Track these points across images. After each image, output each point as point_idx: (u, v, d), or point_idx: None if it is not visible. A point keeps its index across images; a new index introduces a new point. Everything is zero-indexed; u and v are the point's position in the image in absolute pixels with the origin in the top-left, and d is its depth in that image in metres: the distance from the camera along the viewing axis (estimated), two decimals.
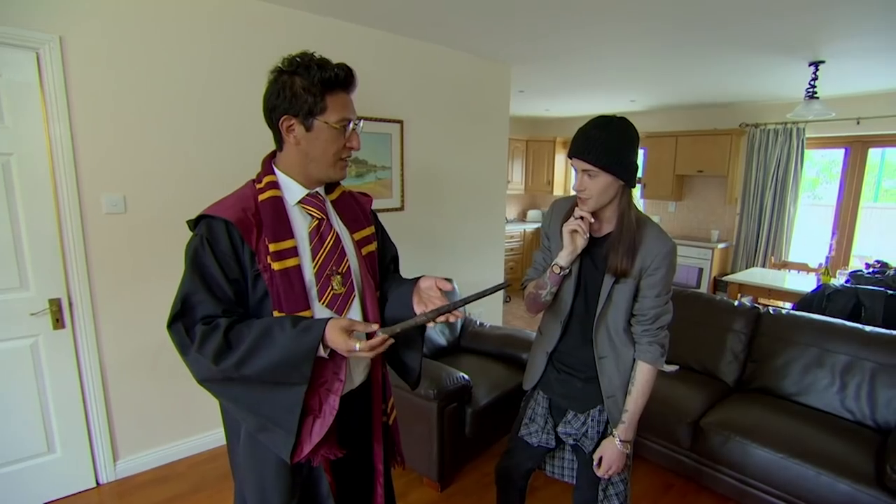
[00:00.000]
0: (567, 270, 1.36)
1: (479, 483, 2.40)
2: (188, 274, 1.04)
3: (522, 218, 7.34)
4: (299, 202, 1.13)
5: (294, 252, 1.07)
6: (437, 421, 2.21)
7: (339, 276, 1.13)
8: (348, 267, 1.16)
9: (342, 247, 1.16)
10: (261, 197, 1.09)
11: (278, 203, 1.10)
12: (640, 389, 1.38)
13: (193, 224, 1.09)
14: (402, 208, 3.30)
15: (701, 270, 5.50)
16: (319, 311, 1.11)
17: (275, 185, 1.12)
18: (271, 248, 1.05)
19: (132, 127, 2.21)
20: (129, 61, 2.16)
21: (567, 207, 1.42)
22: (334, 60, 1.08)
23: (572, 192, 1.41)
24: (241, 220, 1.04)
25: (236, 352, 0.99)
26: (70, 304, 2.15)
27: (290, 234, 1.08)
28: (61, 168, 2.05)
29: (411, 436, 2.31)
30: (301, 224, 1.13)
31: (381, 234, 1.35)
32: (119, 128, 2.18)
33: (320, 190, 1.18)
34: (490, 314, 4.11)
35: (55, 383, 2.16)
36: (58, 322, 2.12)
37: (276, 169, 1.14)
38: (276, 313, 1.05)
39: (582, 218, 1.30)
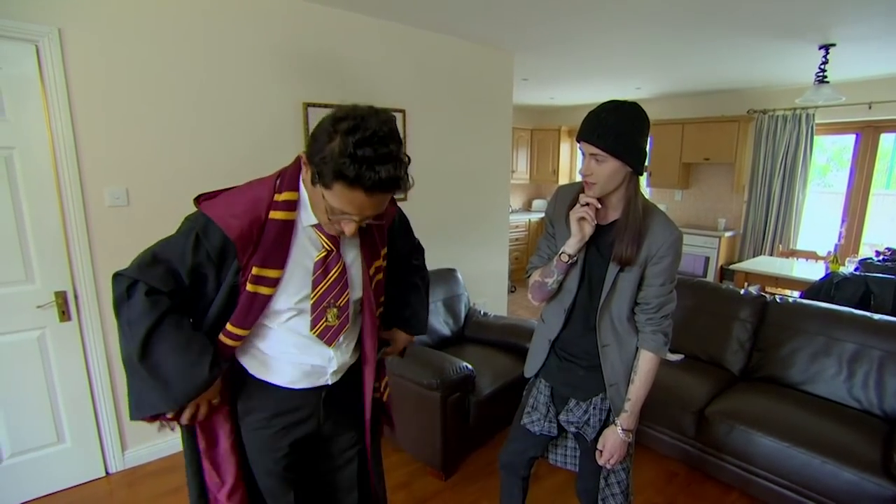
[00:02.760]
0: (575, 258, 1.35)
1: (482, 472, 2.41)
2: (169, 243, 1.05)
3: (527, 208, 7.30)
4: (314, 225, 1.08)
5: (273, 283, 1.05)
6: (441, 410, 2.22)
7: (335, 309, 1.12)
8: (347, 300, 1.14)
9: (346, 280, 1.13)
10: (272, 214, 1.03)
11: (287, 227, 1.05)
12: (642, 378, 1.37)
13: (197, 206, 1.08)
14: (405, 199, 3.29)
15: (707, 259, 5.46)
16: (310, 340, 1.14)
17: (292, 205, 1.05)
18: (254, 271, 1.03)
19: (133, 119, 2.20)
20: (129, 53, 2.15)
21: (572, 194, 1.40)
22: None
23: (577, 178, 1.40)
24: (241, 237, 1.01)
25: (139, 349, 1.01)
26: (76, 297, 2.17)
27: (279, 265, 1.05)
28: (63, 161, 2.05)
29: (415, 425, 2.32)
30: (309, 249, 1.09)
31: (400, 236, 1.35)
32: (120, 120, 2.17)
33: None
34: (494, 304, 4.10)
35: (63, 375, 2.19)
36: (64, 314, 2.14)
37: (302, 186, 1.06)
38: (229, 325, 1.07)
39: (588, 204, 1.28)
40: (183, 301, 1.06)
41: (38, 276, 2.08)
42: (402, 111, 3.16)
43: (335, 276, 1.10)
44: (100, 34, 2.08)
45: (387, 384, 1.41)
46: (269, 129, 2.54)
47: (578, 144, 1.29)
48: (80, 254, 2.14)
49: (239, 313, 1.06)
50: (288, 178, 1.06)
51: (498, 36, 3.34)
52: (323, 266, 1.09)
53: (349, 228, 1.00)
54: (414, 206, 3.38)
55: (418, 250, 1.47)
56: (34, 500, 2.18)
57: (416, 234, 1.48)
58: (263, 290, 1.05)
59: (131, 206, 2.25)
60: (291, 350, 1.15)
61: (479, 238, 3.91)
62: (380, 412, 1.41)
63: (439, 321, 2.91)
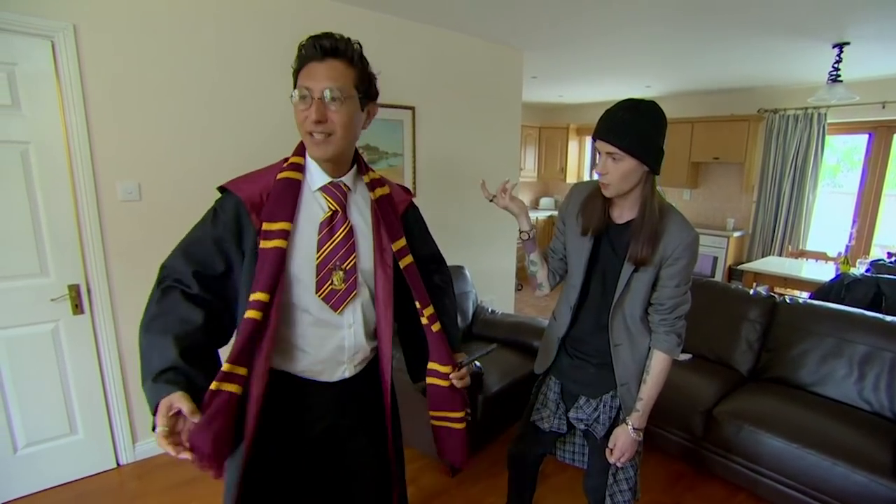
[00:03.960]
0: (530, 234, 1.46)
1: (490, 469, 2.42)
2: (194, 230, 1.09)
3: (535, 205, 7.28)
4: (320, 189, 1.12)
5: (283, 235, 1.04)
6: None
7: (340, 272, 1.10)
8: (354, 264, 1.12)
9: (352, 242, 1.12)
10: (278, 176, 1.09)
11: (292, 185, 1.09)
12: (654, 379, 1.37)
13: (220, 191, 1.12)
14: (413, 195, 3.28)
15: (716, 259, 5.43)
16: (314, 301, 1.10)
17: (298, 167, 1.11)
18: (263, 226, 1.04)
19: (146, 114, 2.22)
20: (142, 48, 2.17)
21: (586, 192, 1.41)
22: None
23: (585, 176, 1.40)
24: (251, 198, 1.06)
25: (143, 332, 1.02)
26: (88, 290, 2.19)
27: (286, 217, 1.06)
28: (77, 156, 2.07)
29: (423, 422, 2.32)
30: (316, 211, 1.11)
31: (416, 234, 1.31)
32: (133, 115, 2.19)
33: (347, 180, 1.15)
34: (502, 302, 4.11)
35: (76, 367, 2.21)
36: (77, 307, 2.17)
37: (307, 153, 1.12)
38: (252, 294, 1.02)
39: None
40: (203, 288, 1.06)
41: (52, 269, 2.10)
42: (412, 108, 3.16)
43: (341, 237, 1.10)
44: (114, 30, 2.09)
45: (468, 415, 1.32)
46: (282, 123, 2.55)
47: (594, 143, 1.29)
48: (92, 247, 2.16)
49: (258, 275, 1.03)
50: (297, 148, 1.15)
51: (508, 34, 3.33)
52: (329, 226, 1.10)
53: (312, 111, 1.01)
54: (423, 203, 3.38)
55: (440, 264, 1.40)
56: (47, 489, 2.22)
57: None
58: (275, 243, 1.03)
59: (143, 200, 2.27)
60: (307, 329, 1.12)
61: (487, 236, 3.90)
62: (458, 440, 1.32)
63: None
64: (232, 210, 1.06)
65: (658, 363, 1.36)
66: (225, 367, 0.99)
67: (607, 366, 1.42)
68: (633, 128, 1.21)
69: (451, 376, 1.22)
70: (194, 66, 2.31)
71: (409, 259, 1.20)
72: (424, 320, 1.22)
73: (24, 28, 1.90)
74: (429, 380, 1.26)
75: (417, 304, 1.21)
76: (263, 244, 1.04)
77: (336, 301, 1.11)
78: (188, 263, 1.05)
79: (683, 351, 2.89)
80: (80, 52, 2.02)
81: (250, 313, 1.01)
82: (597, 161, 1.31)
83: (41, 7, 1.93)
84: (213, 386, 0.96)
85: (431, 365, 1.25)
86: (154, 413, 0.91)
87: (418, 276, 1.21)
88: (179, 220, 2.36)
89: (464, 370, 1.25)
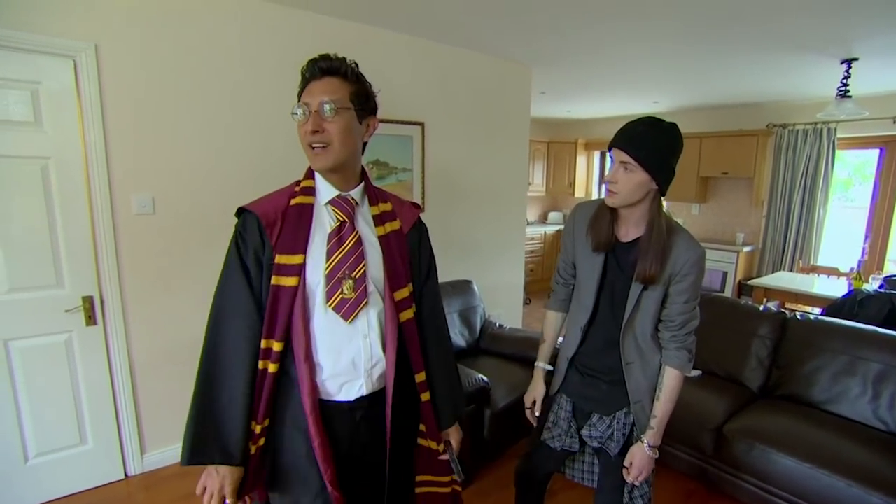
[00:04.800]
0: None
1: (497, 485, 2.40)
2: (226, 284, 1.11)
3: (543, 220, 7.29)
4: (328, 202, 1.15)
5: (297, 270, 1.08)
6: None
7: (350, 281, 1.11)
8: (364, 273, 1.13)
9: (361, 251, 1.13)
10: (293, 201, 1.13)
11: (305, 210, 1.12)
12: (667, 395, 1.36)
13: (238, 215, 1.14)
14: (422, 210, 3.31)
15: (725, 274, 5.38)
16: (325, 314, 1.10)
17: (310, 190, 1.15)
18: (278, 259, 1.08)
19: (162, 130, 2.27)
20: (159, 67, 2.23)
21: (592, 211, 1.41)
22: (361, 64, 1.14)
23: (594, 191, 1.41)
24: (265, 214, 1.10)
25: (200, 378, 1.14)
26: (102, 302, 2.23)
27: (301, 248, 1.09)
28: (95, 171, 2.13)
29: None
30: (325, 224, 1.15)
31: (419, 250, 1.29)
32: (149, 131, 2.25)
33: (355, 194, 1.17)
34: (509, 316, 4.10)
35: (87, 378, 2.24)
36: (90, 319, 2.20)
37: (316, 173, 1.16)
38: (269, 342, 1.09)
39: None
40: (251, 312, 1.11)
41: (67, 281, 2.14)
42: (422, 124, 3.21)
43: (350, 245, 1.12)
44: (133, 49, 2.16)
45: (455, 482, 1.36)
46: (295, 143, 2.60)
47: (609, 152, 1.31)
48: (107, 260, 2.20)
49: (274, 318, 1.07)
50: (307, 171, 1.19)
51: (517, 50, 3.38)
52: (337, 236, 1.12)
53: (308, 123, 1.07)
54: (432, 218, 3.42)
55: (435, 301, 1.32)
56: (55, 500, 2.23)
57: (434, 245, 1.37)
58: (287, 282, 1.07)
59: (157, 214, 2.31)
60: (321, 342, 1.11)
61: (496, 250, 3.92)
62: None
63: (455, 333, 2.92)
64: (253, 225, 1.11)
65: (670, 380, 1.36)
66: (257, 428, 1.12)
67: (619, 383, 1.41)
68: (651, 142, 1.23)
69: (439, 457, 1.30)
70: (210, 83, 2.37)
71: (408, 314, 1.20)
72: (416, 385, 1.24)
73: (49, 49, 1.97)
74: (419, 440, 1.30)
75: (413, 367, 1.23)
76: (278, 280, 1.08)
77: (347, 310, 1.11)
78: (244, 334, 1.09)
79: (693, 367, 2.87)
80: (100, 71, 2.09)
81: (262, 364, 1.09)
82: (606, 171, 1.32)
83: (65, 27, 1.99)
84: (252, 450, 1.12)
85: (423, 427, 1.29)
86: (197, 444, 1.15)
87: (415, 336, 1.22)
88: (192, 233, 2.41)
89: (447, 455, 1.32)
